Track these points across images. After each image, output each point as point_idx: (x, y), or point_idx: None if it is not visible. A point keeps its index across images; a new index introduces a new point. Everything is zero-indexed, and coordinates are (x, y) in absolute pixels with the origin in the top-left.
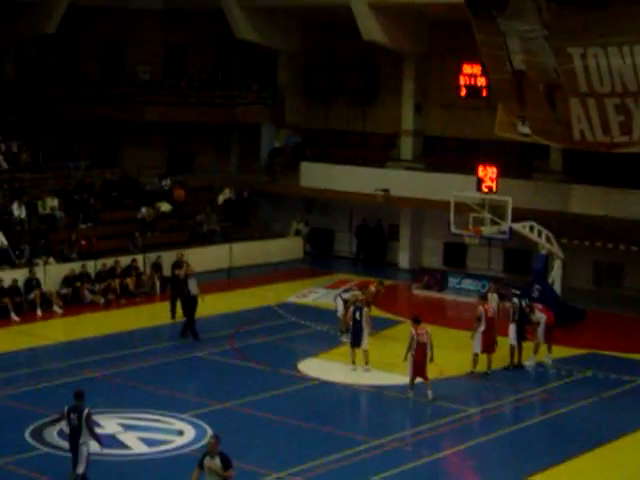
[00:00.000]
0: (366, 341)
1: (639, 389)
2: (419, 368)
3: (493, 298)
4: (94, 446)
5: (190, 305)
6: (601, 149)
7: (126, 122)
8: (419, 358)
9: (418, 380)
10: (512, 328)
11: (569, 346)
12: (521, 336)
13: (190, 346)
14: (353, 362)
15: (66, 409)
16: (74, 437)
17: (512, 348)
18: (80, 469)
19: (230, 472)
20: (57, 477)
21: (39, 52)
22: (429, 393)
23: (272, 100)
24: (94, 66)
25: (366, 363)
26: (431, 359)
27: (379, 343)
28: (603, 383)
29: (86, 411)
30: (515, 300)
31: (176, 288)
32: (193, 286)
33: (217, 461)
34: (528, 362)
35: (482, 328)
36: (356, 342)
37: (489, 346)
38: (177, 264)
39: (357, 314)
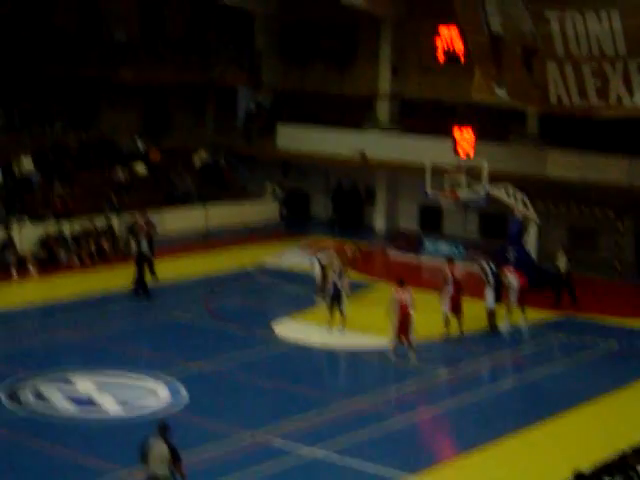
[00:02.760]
0: (345, 305)
1: (613, 353)
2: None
3: (562, 258)
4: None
5: (140, 262)
6: (578, 113)
7: (102, 83)
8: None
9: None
10: (489, 292)
11: (544, 309)
12: (497, 300)
13: (165, 307)
14: (329, 324)
15: None
16: None
17: (491, 312)
18: None
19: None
20: (28, 435)
21: (14, 10)
22: (412, 354)
23: (249, 62)
24: (70, 26)
25: (342, 325)
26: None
27: (355, 305)
28: (577, 347)
29: None
30: (484, 264)
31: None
32: (144, 244)
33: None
34: (503, 325)
35: (449, 290)
36: (335, 305)
37: (456, 307)
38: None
39: (338, 279)
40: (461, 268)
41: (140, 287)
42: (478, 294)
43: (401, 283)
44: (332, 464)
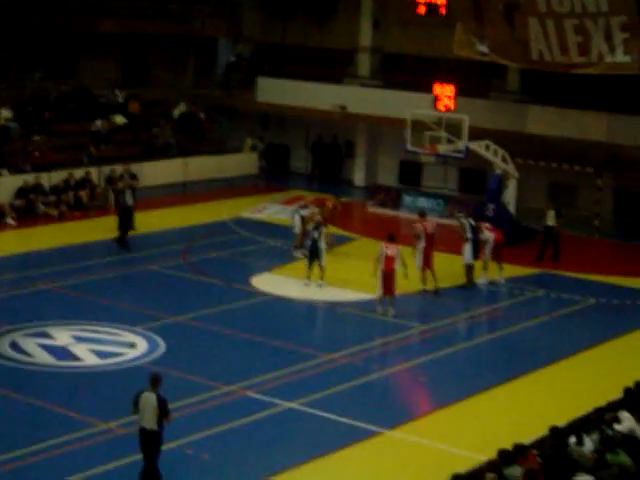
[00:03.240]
0: (324, 258)
1: (590, 309)
2: (427, 259)
3: (550, 215)
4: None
5: (124, 216)
6: (559, 69)
7: (82, 33)
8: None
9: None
10: (467, 247)
11: (522, 265)
12: (475, 255)
13: (143, 259)
14: (308, 278)
15: None
16: None
17: (468, 267)
18: None
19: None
20: (7, 387)
21: None
22: (391, 309)
23: (229, 13)
24: None
25: (321, 278)
26: (405, 276)
27: (333, 259)
28: (554, 302)
29: None
30: (463, 220)
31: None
32: (129, 198)
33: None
34: (480, 280)
35: (422, 245)
36: (314, 259)
37: (428, 261)
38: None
39: (315, 232)
40: (434, 223)
41: (121, 238)
42: (456, 250)
43: (391, 239)
44: (308, 417)
